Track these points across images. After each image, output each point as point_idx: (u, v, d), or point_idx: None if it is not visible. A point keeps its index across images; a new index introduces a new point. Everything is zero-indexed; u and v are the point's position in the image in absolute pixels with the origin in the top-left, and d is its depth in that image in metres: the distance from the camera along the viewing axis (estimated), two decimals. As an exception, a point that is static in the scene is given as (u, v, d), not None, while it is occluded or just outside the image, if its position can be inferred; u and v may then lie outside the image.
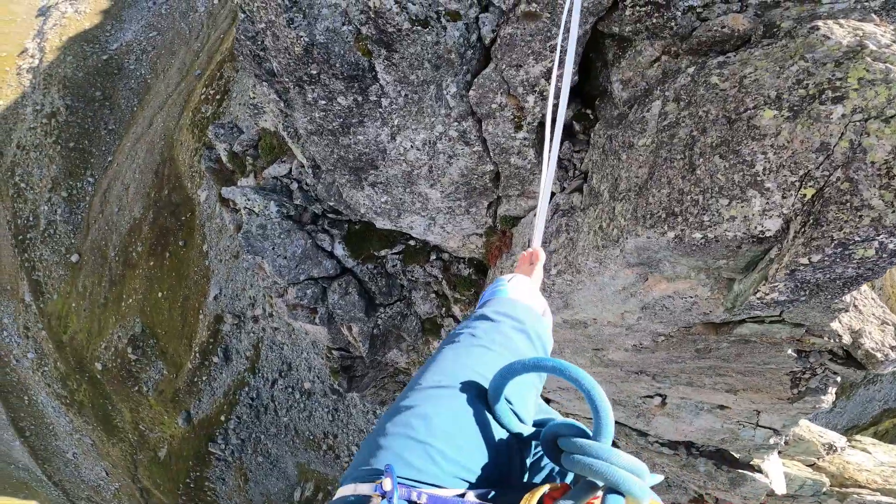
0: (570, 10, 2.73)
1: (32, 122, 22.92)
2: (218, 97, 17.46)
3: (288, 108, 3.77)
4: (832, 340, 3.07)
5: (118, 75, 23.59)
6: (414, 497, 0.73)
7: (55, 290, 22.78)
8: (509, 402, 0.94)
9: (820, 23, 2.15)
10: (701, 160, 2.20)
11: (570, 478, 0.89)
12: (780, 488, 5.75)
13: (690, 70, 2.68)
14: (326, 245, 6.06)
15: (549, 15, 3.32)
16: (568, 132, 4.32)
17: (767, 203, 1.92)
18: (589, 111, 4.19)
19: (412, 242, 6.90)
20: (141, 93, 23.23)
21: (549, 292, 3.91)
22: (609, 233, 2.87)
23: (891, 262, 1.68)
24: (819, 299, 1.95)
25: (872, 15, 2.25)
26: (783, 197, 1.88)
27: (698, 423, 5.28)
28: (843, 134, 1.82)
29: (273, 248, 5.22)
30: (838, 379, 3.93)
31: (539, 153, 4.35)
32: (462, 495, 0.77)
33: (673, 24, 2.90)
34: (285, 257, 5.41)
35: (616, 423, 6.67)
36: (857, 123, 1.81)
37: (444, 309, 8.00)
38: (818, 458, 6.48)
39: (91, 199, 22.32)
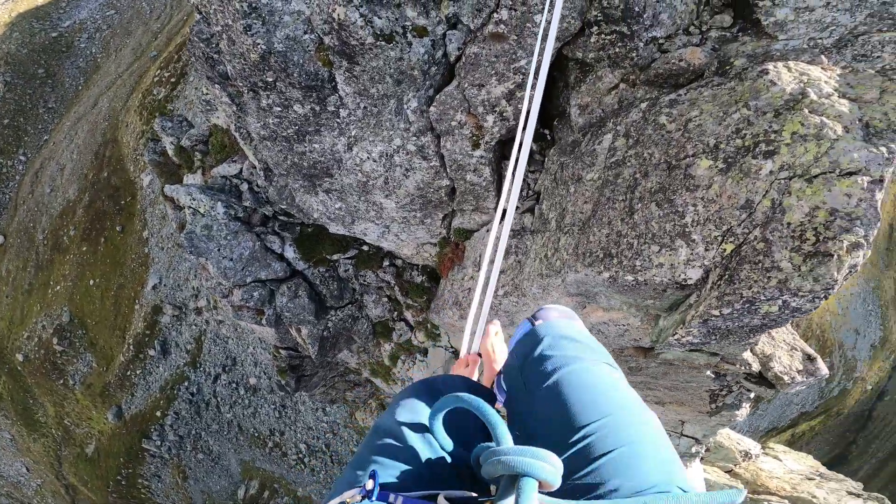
0: (543, 37, 2.81)
1: None
2: (173, 80, 16.49)
3: (241, 111, 3.64)
4: (743, 368, 3.35)
5: (66, 53, 22.05)
6: (391, 499, 0.85)
7: None
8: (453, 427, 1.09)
9: (770, 66, 2.25)
10: (640, 205, 2.34)
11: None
12: (700, 494, 6.17)
13: (643, 105, 2.82)
14: (276, 247, 5.90)
15: (515, 37, 3.39)
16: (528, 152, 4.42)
17: (692, 254, 2.08)
18: (547, 131, 4.32)
19: (365, 248, 6.84)
20: (89, 72, 21.78)
21: (496, 310, 4.02)
22: (553, 263, 2.99)
23: (792, 316, 1.87)
24: (728, 341, 2.14)
25: (822, 57, 2.38)
26: (706, 249, 2.04)
27: (630, 434, 5.59)
28: (767, 192, 1.98)
29: (218, 250, 5.02)
30: (752, 395, 4.30)
31: (495, 171, 4.44)
32: (434, 497, 0.87)
33: (634, 54, 3.04)
34: (231, 259, 5.22)
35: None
36: (782, 182, 1.96)
37: (396, 313, 7.99)
38: (735, 465, 7.01)
39: (21, 179, 20.69)
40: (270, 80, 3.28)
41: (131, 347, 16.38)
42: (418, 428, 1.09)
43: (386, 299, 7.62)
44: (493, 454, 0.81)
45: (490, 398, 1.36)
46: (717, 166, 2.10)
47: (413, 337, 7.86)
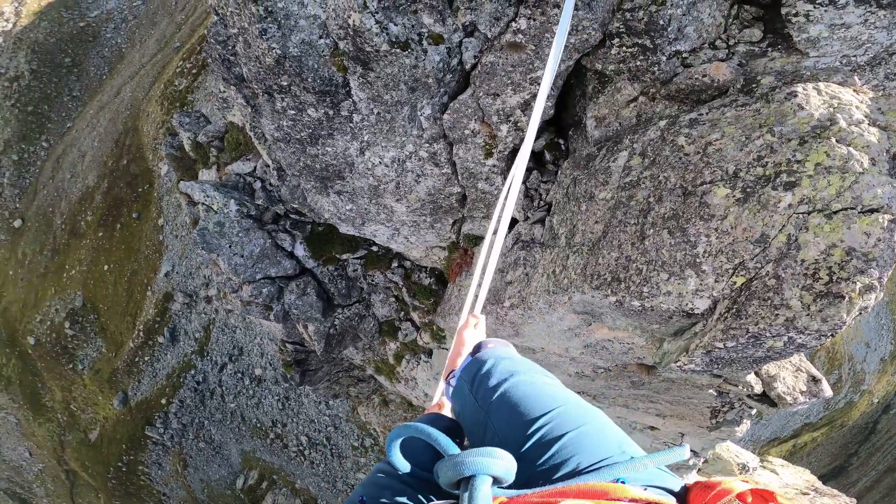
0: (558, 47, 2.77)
1: None
2: (194, 71, 16.71)
3: (256, 113, 3.66)
4: (745, 389, 3.31)
5: (92, 43, 22.48)
6: None
7: None
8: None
9: (799, 87, 2.16)
10: (651, 231, 2.30)
11: None
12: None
13: (662, 123, 2.75)
14: (287, 245, 5.94)
15: (533, 48, 3.35)
16: (538, 161, 4.39)
17: (701, 284, 2.05)
18: (561, 141, 4.27)
19: (375, 248, 6.86)
20: (113, 61, 22.21)
21: (502, 321, 4.01)
22: (560, 281, 2.96)
23: (796, 351, 1.83)
24: (731, 369, 2.10)
25: (854, 77, 2.28)
26: (716, 281, 2.01)
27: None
28: (783, 226, 1.92)
29: (230, 247, 5.07)
30: (753, 412, 4.26)
31: (506, 181, 4.41)
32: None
33: (656, 68, 2.96)
34: (242, 255, 5.27)
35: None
36: (800, 216, 1.90)
37: (402, 313, 8.01)
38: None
39: (43, 164, 21.18)
40: (285, 83, 3.29)
41: (141, 334, 16.65)
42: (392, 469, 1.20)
43: (393, 300, 7.65)
44: (443, 462, 0.85)
45: (457, 428, 1.44)
46: (734, 195, 2.05)
47: (418, 337, 7.88)
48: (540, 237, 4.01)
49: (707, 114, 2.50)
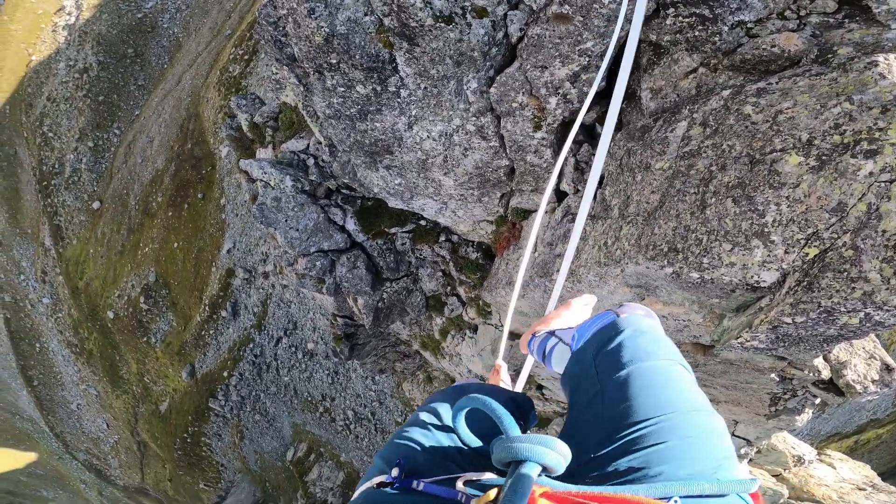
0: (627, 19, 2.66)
1: (65, 77, 23.55)
2: (246, 57, 17.35)
3: (307, 91, 3.75)
4: (811, 374, 3.12)
5: (151, 33, 23.77)
6: (414, 485, 0.93)
7: (75, 236, 23.50)
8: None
9: (881, 57, 2.02)
10: (713, 200, 2.19)
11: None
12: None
13: (725, 93, 2.59)
14: (338, 219, 6.13)
15: (581, 19, 3.22)
16: (589, 134, 4.26)
17: (769, 255, 1.93)
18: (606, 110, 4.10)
19: (423, 222, 6.94)
20: (172, 51, 23.44)
21: (549, 293, 3.97)
22: (612, 252, 2.89)
23: (873, 330, 1.71)
24: (798, 349, 1.99)
25: None
26: (786, 252, 1.89)
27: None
28: (863, 195, 1.78)
29: (286, 221, 5.30)
30: (817, 401, 4.01)
31: (556, 153, 4.31)
32: (454, 481, 0.93)
33: (717, 38, 2.79)
34: (297, 230, 5.50)
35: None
36: (882, 185, 1.76)
37: (449, 288, 8.11)
38: (784, 469, 6.63)
39: (116, 150, 22.89)
40: (334, 61, 3.34)
41: (207, 308, 17.86)
42: (442, 427, 1.18)
43: (440, 274, 7.75)
44: (500, 442, 0.86)
45: (515, 405, 1.42)
46: (808, 163, 1.91)
47: (464, 313, 7.97)
48: (591, 210, 3.91)
49: (777, 83, 2.33)
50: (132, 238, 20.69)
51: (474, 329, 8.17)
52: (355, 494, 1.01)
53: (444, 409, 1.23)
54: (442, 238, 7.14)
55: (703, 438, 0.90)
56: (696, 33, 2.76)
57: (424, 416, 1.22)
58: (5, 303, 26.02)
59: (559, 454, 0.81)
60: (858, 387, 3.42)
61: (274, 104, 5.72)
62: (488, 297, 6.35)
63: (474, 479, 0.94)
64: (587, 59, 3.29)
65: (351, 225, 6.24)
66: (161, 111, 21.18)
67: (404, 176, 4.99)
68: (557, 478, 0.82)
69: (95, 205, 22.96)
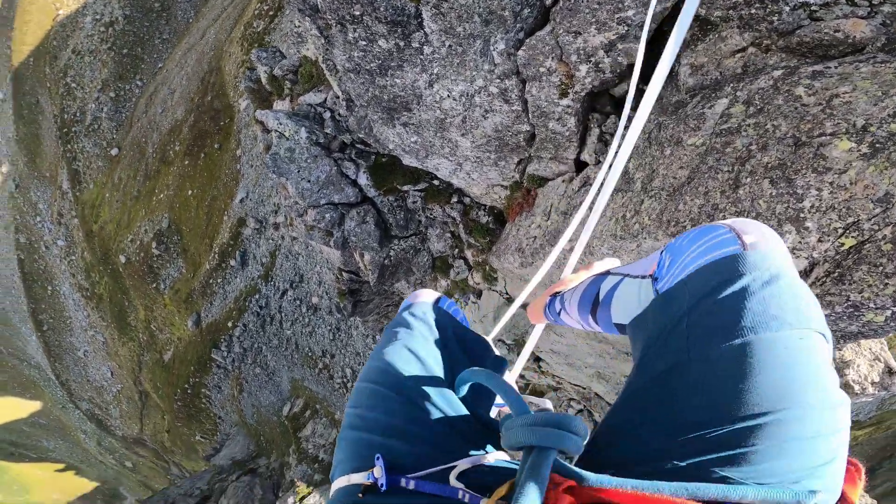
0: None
1: (91, 30, 23.55)
2: (271, 13, 16.90)
3: (328, 44, 3.60)
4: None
5: None
6: (402, 484, 0.78)
7: (92, 180, 23.68)
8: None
9: None
10: (749, 180, 2.11)
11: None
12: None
13: (777, 73, 2.45)
14: (351, 173, 6.06)
15: (624, -18, 3.02)
16: (617, 106, 4.11)
17: (800, 242, 1.88)
18: (644, 86, 3.94)
19: (436, 182, 6.85)
20: (198, 5, 23.04)
21: (559, 265, 3.95)
22: (630, 226, 2.84)
23: (894, 330, 1.68)
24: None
25: None
26: (819, 240, 1.83)
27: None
28: (911, 186, 1.71)
29: (298, 171, 5.24)
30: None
31: (580, 122, 4.17)
32: (447, 471, 0.81)
33: (775, 18, 2.62)
34: (309, 181, 5.44)
35: (596, 395, 6.93)
36: (930, 176, 1.69)
37: (456, 250, 8.11)
38: None
39: (137, 100, 22.95)
40: (357, 13, 3.18)
41: (216, 256, 18.08)
42: (435, 381, 0.98)
43: (449, 235, 7.72)
44: (514, 423, 0.74)
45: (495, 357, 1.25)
46: (859, 150, 1.81)
47: (470, 277, 8.00)
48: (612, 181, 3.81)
49: (836, 67, 2.20)
50: (148, 184, 20.80)
51: (478, 294, 8.21)
52: (333, 491, 0.87)
53: (409, 364, 1.00)
54: (454, 199, 7.06)
55: (805, 441, 0.67)
56: (753, 10, 2.59)
57: (410, 366, 0.99)
58: (20, 244, 26.51)
59: (580, 438, 0.70)
60: (857, 387, 3.43)
61: (294, 58, 5.54)
62: (496, 262, 6.34)
63: (470, 466, 0.82)
64: (626, 27, 3.12)
65: (363, 180, 6.17)
66: (184, 64, 21.01)
67: (421, 134, 4.87)
68: (578, 464, 0.72)
69: (114, 151, 23.16)
